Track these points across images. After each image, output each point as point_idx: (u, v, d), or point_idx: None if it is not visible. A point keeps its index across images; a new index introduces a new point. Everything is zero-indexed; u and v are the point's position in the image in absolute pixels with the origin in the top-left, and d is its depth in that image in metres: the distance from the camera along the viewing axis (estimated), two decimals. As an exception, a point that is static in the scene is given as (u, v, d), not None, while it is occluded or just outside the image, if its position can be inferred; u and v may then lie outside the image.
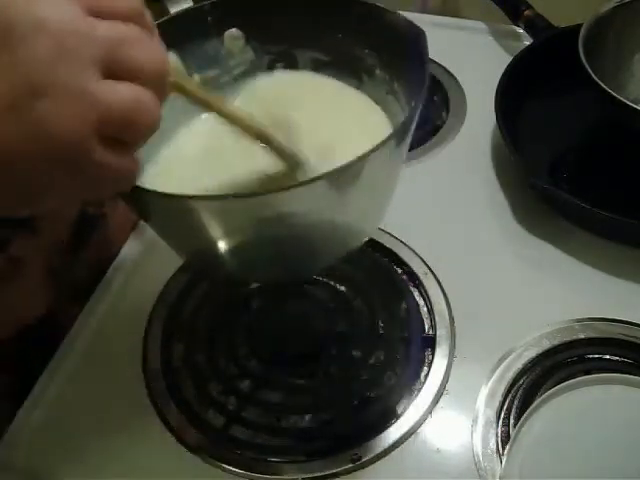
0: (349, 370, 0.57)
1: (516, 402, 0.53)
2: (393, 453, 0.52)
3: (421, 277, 0.62)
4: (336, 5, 0.49)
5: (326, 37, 0.51)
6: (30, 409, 0.57)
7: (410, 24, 0.47)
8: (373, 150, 0.37)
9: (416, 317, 0.59)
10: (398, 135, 0.40)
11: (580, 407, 0.49)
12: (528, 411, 0.49)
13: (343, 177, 0.37)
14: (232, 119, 0.42)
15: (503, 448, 0.50)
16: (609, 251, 0.63)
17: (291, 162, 0.45)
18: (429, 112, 0.78)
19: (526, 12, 0.79)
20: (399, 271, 0.63)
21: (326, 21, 0.50)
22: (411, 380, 0.55)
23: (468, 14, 0.94)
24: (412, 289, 0.61)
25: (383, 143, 0.37)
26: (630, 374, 0.51)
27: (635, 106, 0.62)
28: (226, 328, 0.60)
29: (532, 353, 0.55)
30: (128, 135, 0.31)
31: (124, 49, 0.30)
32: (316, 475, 0.51)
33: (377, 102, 0.51)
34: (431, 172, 0.70)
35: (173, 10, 0.53)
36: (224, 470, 0.52)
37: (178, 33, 0.48)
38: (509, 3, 0.82)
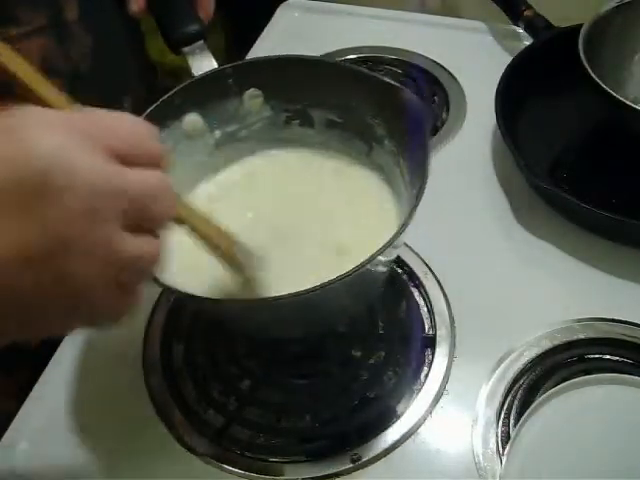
0: (349, 370, 0.57)
1: (516, 402, 0.53)
2: (393, 453, 0.52)
3: (421, 277, 0.62)
4: (349, 75, 0.53)
5: (339, 102, 0.55)
6: (30, 409, 0.57)
7: (416, 103, 0.48)
8: (375, 255, 0.41)
9: (416, 317, 0.59)
10: (398, 235, 0.43)
11: (580, 407, 0.49)
12: (528, 411, 0.49)
13: (351, 279, 0.41)
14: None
15: (503, 448, 0.50)
16: (609, 251, 0.63)
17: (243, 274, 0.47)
18: (429, 112, 0.78)
19: (526, 12, 0.79)
20: (399, 271, 0.63)
21: (339, 88, 0.53)
22: (411, 380, 0.55)
23: (468, 14, 0.94)
24: (412, 289, 0.61)
25: (382, 249, 0.42)
26: (630, 374, 0.51)
27: (635, 106, 0.62)
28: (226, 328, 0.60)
29: (532, 353, 0.55)
30: (138, 280, 0.34)
31: (146, 204, 0.32)
32: (316, 475, 0.51)
33: (385, 172, 0.55)
34: (431, 172, 0.70)
35: (196, 69, 0.56)
36: (224, 470, 0.52)
37: (201, 93, 0.54)
38: (509, 3, 0.82)
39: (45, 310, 0.31)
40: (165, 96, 0.52)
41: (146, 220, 0.32)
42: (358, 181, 0.56)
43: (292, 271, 0.50)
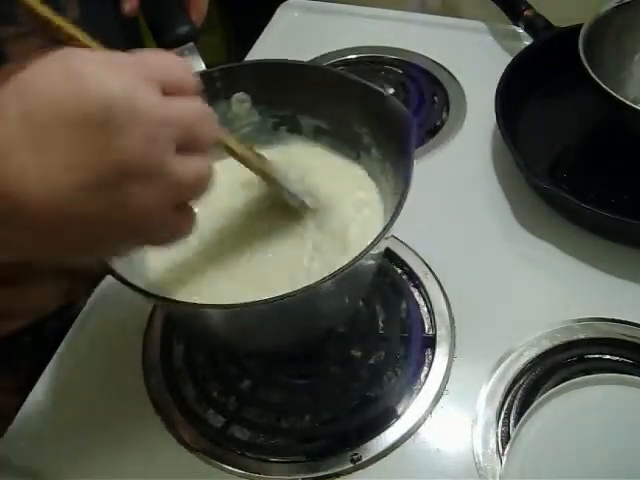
0: (349, 370, 0.57)
1: (516, 402, 0.53)
2: (393, 453, 0.52)
3: (421, 277, 0.62)
4: (336, 81, 0.53)
5: (327, 108, 0.55)
6: (30, 409, 0.57)
7: (401, 110, 0.49)
8: (356, 259, 0.42)
9: (416, 317, 0.59)
10: (378, 240, 0.43)
11: (580, 407, 0.49)
12: (528, 411, 0.49)
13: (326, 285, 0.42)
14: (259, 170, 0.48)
15: (503, 448, 0.50)
16: (609, 251, 0.63)
17: (300, 207, 0.51)
18: (429, 112, 0.78)
19: (526, 12, 0.79)
20: (399, 271, 0.63)
21: (327, 94, 0.53)
22: (411, 380, 0.55)
23: (468, 14, 0.94)
24: (412, 289, 0.61)
25: (362, 254, 0.42)
26: (630, 374, 0.51)
27: (635, 106, 0.62)
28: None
29: (532, 353, 0.55)
30: (192, 200, 0.36)
31: (195, 129, 0.35)
32: (316, 475, 0.51)
33: (373, 178, 0.55)
34: (431, 172, 0.70)
35: None
36: (224, 470, 0.52)
37: None
38: (509, 3, 0.82)
39: (109, 232, 0.34)
40: None
41: (196, 142, 0.35)
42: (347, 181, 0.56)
43: (273, 270, 0.50)
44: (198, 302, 0.46)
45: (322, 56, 0.85)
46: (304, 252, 0.50)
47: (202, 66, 0.56)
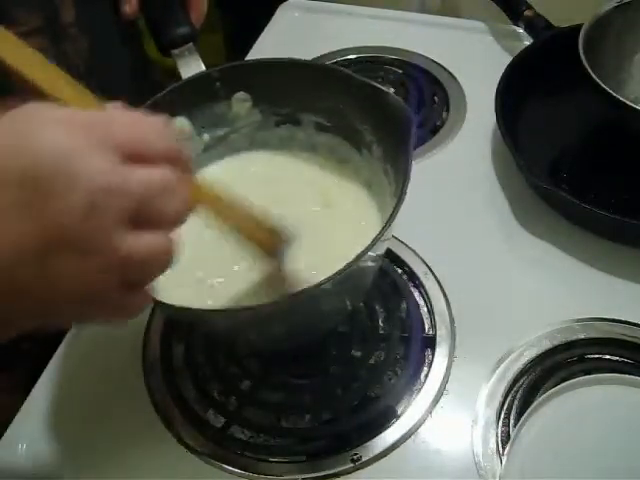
0: (349, 370, 0.57)
1: (516, 402, 0.53)
2: (393, 453, 0.52)
3: (421, 277, 0.62)
4: (336, 77, 0.53)
5: (328, 106, 0.55)
6: (30, 409, 0.57)
7: (401, 106, 0.48)
8: (353, 262, 0.41)
9: (416, 317, 0.59)
10: (375, 242, 0.43)
11: (580, 407, 0.49)
12: (528, 411, 0.49)
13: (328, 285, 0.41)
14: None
15: (503, 448, 0.50)
16: (609, 251, 0.63)
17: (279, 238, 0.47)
18: (429, 112, 0.78)
19: (526, 12, 0.79)
20: (399, 271, 0.63)
21: (327, 91, 0.53)
22: (411, 380, 0.55)
23: (468, 14, 0.94)
24: (412, 289, 0.61)
25: (361, 254, 0.42)
26: (630, 374, 0.51)
27: (635, 106, 0.62)
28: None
29: (532, 353, 0.55)
30: (144, 279, 0.33)
31: (153, 202, 0.31)
32: (316, 475, 0.51)
33: (371, 179, 0.55)
34: (431, 172, 0.70)
35: (184, 72, 0.56)
36: (224, 470, 0.52)
37: (189, 96, 0.54)
38: (509, 3, 0.82)
39: (57, 305, 0.32)
40: (152, 99, 0.52)
41: (156, 216, 0.32)
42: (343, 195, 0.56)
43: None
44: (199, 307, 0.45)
45: (322, 56, 0.85)
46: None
47: (202, 67, 0.57)
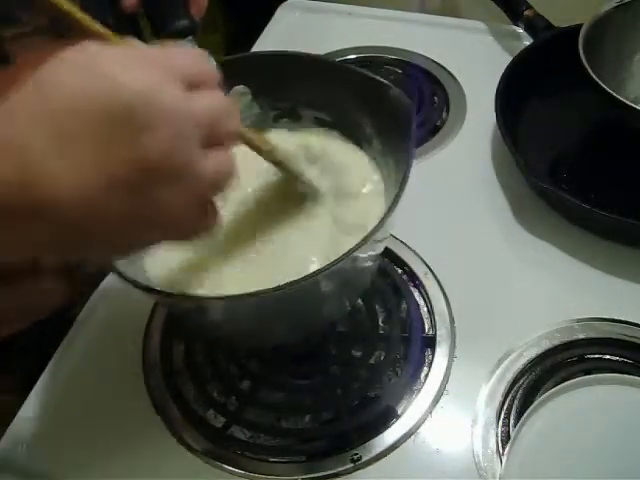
0: (349, 370, 0.57)
1: (516, 402, 0.53)
2: (393, 453, 0.52)
3: (421, 277, 0.62)
4: (336, 71, 0.53)
5: (328, 99, 0.54)
6: (30, 409, 0.57)
7: (401, 98, 0.48)
8: (352, 250, 0.41)
9: (416, 317, 0.59)
10: (377, 229, 0.42)
11: (580, 407, 0.49)
12: (528, 411, 0.49)
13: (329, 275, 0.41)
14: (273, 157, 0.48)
15: (503, 448, 0.50)
16: (609, 251, 0.63)
17: (312, 192, 0.51)
18: (429, 112, 0.78)
19: (526, 12, 0.79)
20: (399, 271, 0.63)
21: (327, 85, 0.53)
22: (411, 380, 0.55)
23: (468, 14, 0.94)
24: (412, 289, 0.61)
25: (362, 242, 0.41)
26: (630, 374, 0.51)
27: (635, 106, 0.62)
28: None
29: (532, 353, 0.55)
30: (216, 195, 0.36)
31: (219, 123, 0.34)
32: (316, 475, 0.51)
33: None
34: (431, 172, 0.70)
35: None
36: (224, 470, 0.52)
37: None
38: (509, 3, 0.82)
39: (136, 231, 0.33)
40: None
41: (221, 137, 0.34)
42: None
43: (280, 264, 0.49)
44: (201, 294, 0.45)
45: (322, 56, 0.85)
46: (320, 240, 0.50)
47: None
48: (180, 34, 0.58)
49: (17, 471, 0.53)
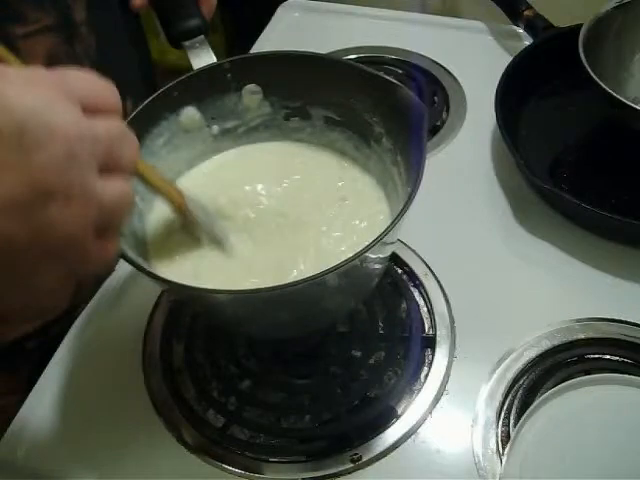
0: (349, 370, 0.57)
1: (516, 402, 0.53)
2: (393, 453, 0.52)
3: (421, 277, 0.62)
4: (348, 72, 0.52)
5: (339, 99, 0.54)
6: (30, 409, 0.57)
7: (415, 100, 0.48)
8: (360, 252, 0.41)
9: (416, 317, 0.59)
10: (384, 235, 0.42)
11: (580, 407, 0.49)
12: (528, 411, 0.49)
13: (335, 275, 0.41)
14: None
15: (503, 448, 0.50)
16: (609, 251, 0.63)
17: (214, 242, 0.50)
18: (429, 112, 0.78)
19: (526, 12, 0.79)
20: (399, 271, 0.63)
21: (338, 84, 0.53)
22: (411, 380, 0.55)
23: (468, 14, 0.94)
24: (412, 289, 0.61)
25: (373, 243, 0.41)
26: (630, 374, 0.51)
27: (635, 106, 0.62)
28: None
29: (532, 353, 0.55)
30: (114, 224, 0.35)
31: (115, 148, 0.34)
32: (316, 475, 0.51)
33: (381, 175, 0.54)
34: (431, 172, 0.70)
35: (195, 63, 0.56)
36: (224, 470, 0.52)
37: (199, 88, 0.54)
38: (509, 3, 0.82)
39: (32, 263, 0.32)
40: (162, 88, 0.52)
41: (117, 162, 0.34)
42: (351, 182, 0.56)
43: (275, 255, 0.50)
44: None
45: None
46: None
47: (213, 58, 0.57)
48: (191, 33, 0.58)
49: (17, 471, 0.53)
